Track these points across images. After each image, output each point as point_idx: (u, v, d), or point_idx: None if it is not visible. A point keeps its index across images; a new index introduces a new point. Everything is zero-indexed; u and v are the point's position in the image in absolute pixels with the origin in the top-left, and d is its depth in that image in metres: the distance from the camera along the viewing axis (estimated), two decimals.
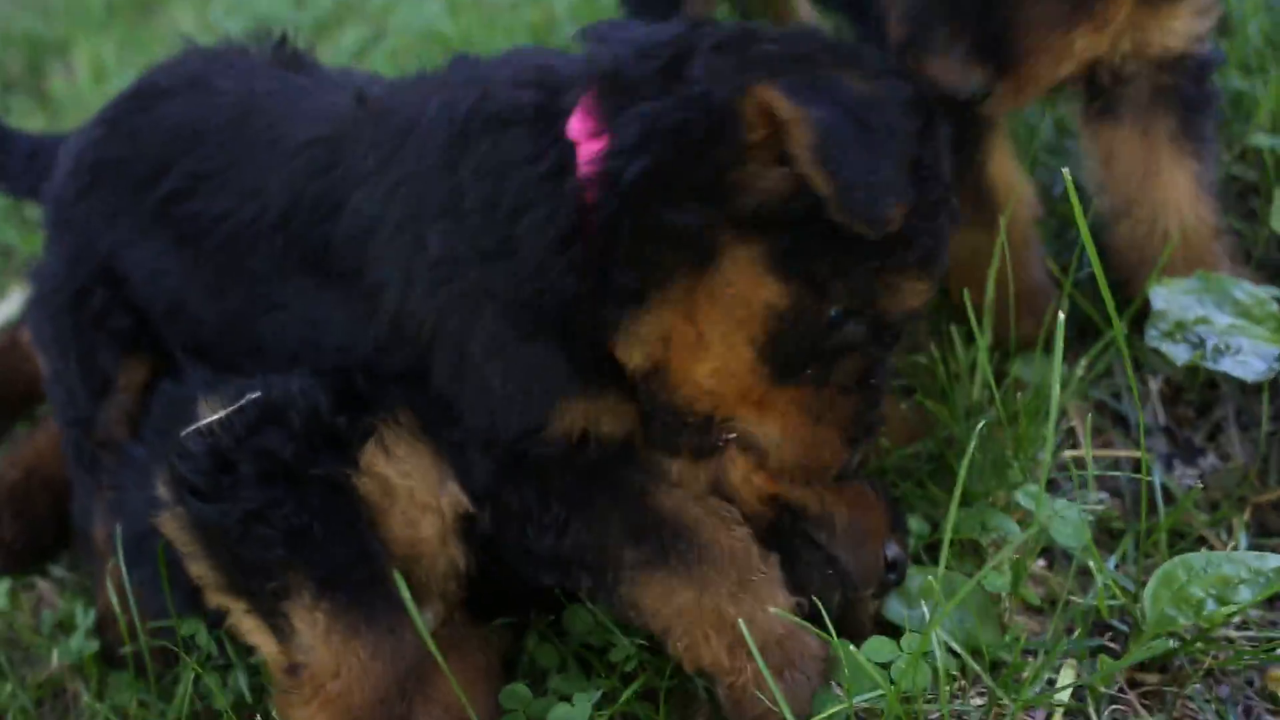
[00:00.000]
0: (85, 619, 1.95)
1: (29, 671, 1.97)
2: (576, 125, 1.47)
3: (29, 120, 3.71)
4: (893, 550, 1.63)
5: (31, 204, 3.20)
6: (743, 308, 1.43)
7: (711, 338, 1.45)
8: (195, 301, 1.75)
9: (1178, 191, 1.89)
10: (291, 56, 1.84)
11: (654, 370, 1.49)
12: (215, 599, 1.62)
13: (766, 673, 1.42)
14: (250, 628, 1.59)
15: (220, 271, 1.72)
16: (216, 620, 1.66)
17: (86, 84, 3.86)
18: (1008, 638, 1.58)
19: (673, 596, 1.52)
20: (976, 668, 1.47)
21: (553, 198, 1.47)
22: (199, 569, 1.61)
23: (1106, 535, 1.86)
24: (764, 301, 1.42)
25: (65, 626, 2.02)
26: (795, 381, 1.48)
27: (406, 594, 1.50)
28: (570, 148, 1.47)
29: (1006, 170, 1.93)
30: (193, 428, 1.61)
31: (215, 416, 1.60)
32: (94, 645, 1.91)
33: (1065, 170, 1.49)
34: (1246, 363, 1.75)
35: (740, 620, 1.46)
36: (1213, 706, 1.57)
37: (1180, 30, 1.83)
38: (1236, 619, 1.70)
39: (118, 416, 1.79)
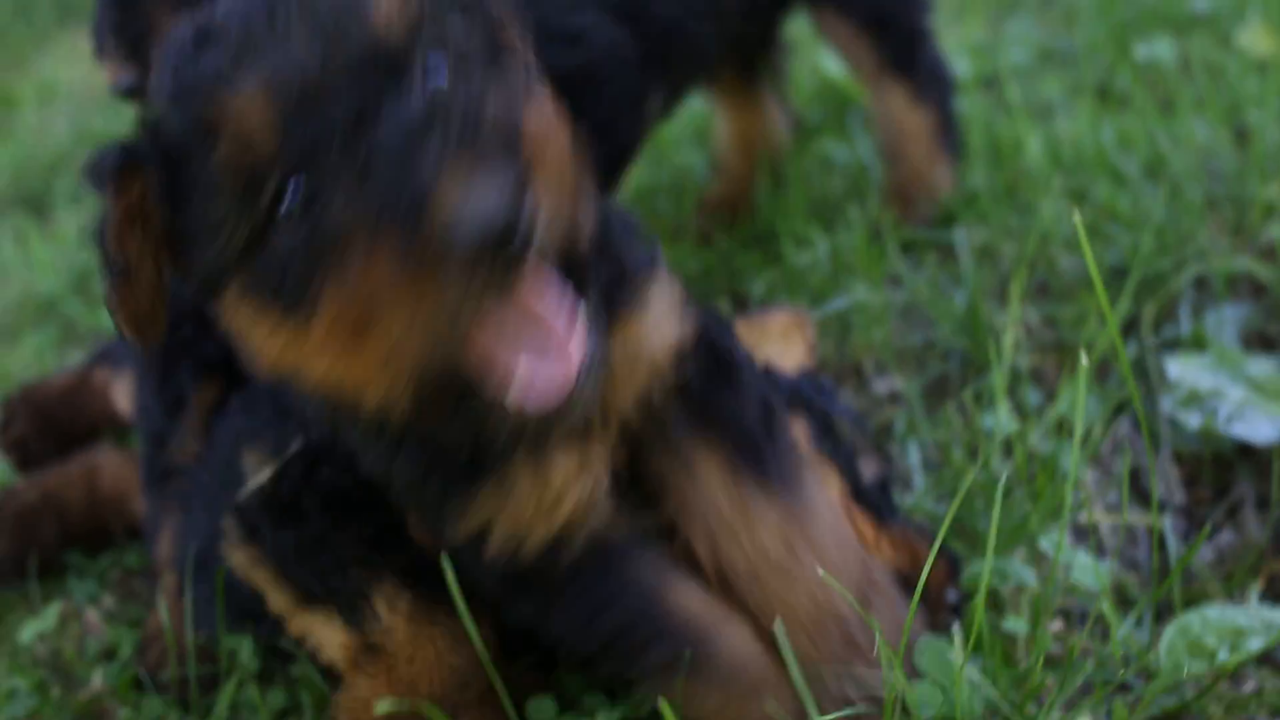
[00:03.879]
0: (129, 644, 2.02)
1: (70, 694, 2.02)
2: None
3: None
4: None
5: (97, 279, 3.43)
6: None
7: None
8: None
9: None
10: None
11: None
12: (297, 623, 1.67)
13: None
14: (329, 636, 1.64)
15: None
16: (271, 632, 1.73)
17: None
18: (1026, 677, 1.62)
19: (693, 702, 1.53)
20: (995, 696, 1.51)
21: None
22: (277, 598, 1.66)
23: (1125, 604, 1.90)
24: None
25: (109, 654, 2.07)
26: None
27: (463, 606, 1.54)
28: None
29: None
30: (248, 489, 1.68)
31: (267, 476, 1.68)
32: (134, 669, 1.96)
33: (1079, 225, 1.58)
34: (1257, 427, 1.82)
35: None
36: None
37: None
38: (1251, 683, 1.74)
39: (188, 432, 1.89)
